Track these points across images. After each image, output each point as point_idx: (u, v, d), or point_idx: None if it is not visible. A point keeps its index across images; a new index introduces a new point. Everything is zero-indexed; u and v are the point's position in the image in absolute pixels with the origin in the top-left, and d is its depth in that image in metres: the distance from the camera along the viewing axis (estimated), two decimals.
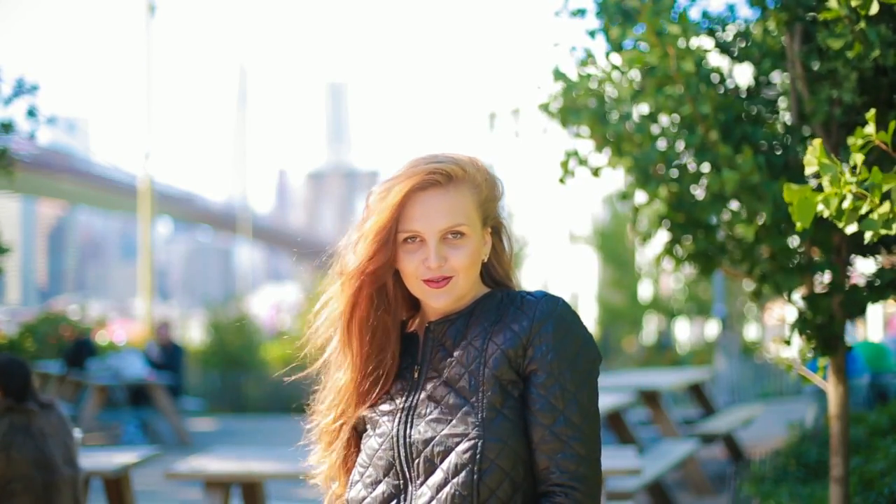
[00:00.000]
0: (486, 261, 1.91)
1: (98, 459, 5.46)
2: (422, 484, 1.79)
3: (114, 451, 6.24)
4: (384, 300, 1.89)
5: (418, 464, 1.80)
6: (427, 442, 1.80)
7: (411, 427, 1.82)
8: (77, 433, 4.32)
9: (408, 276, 1.85)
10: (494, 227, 1.93)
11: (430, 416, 1.81)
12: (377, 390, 1.89)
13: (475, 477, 1.75)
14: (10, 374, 4.08)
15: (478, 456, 1.75)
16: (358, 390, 1.90)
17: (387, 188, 1.84)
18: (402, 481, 1.82)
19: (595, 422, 1.80)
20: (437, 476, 1.78)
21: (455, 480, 1.76)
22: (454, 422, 1.79)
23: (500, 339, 1.82)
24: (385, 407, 1.87)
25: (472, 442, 1.76)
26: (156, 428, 11.71)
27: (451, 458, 1.77)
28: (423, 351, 1.89)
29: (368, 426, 1.89)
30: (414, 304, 1.95)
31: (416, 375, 1.87)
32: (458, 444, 1.77)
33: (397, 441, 1.82)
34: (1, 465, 3.93)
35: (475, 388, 1.80)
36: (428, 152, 1.89)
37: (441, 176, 1.83)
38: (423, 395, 1.84)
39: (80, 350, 11.94)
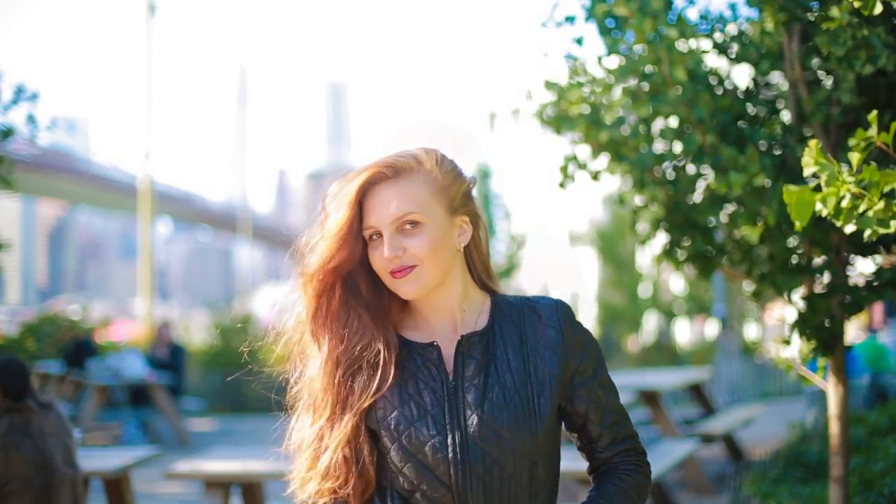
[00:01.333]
0: (461, 249, 1.89)
1: (98, 459, 5.46)
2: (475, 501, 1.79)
3: (114, 451, 6.24)
4: (355, 294, 1.88)
5: (471, 481, 1.79)
6: (484, 460, 1.79)
7: (465, 444, 1.79)
8: (77, 433, 4.32)
9: (379, 272, 1.85)
10: (472, 216, 1.92)
11: (484, 434, 1.80)
12: (379, 378, 1.84)
13: (529, 495, 1.82)
14: (9, 375, 4.08)
15: (535, 476, 1.82)
16: (345, 381, 1.84)
17: (340, 186, 1.86)
18: (453, 498, 1.79)
19: (618, 395, 1.96)
20: (491, 493, 1.79)
21: (511, 498, 1.80)
22: (510, 441, 1.80)
23: (546, 356, 1.86)
24: (421, 420, 1.82)
25: (529, 462, 1.82)
26: (156, 428, 11.71)
27: (508, 476, 1.80)
28: (456, 363, 1.86)
29: (398, 435, 1.82)
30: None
31: (451, 388, 1.84)
32: (516, 464, 1.80)
33: (452, 457, 1.79)
34: (0, 464, 3.93)
35: (530, 409, 1.82)
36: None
37: (388, 169, 1.84)
38: (468, 410, 1.82)
39: (80, 350, 11.94)
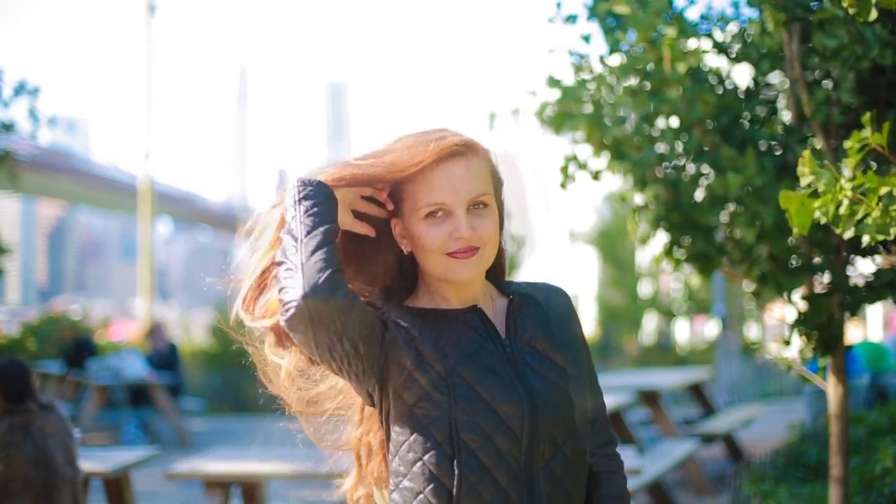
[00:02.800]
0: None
1: (98, 459, 5.46)
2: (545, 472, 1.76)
3: (114, 451, 6.23)
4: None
5: (539, 434, 1.75)
6: (554, 414, 1.77)
7: (533, 399, 1.76)
8: (77, 433, 4.32)
9: (432, 250, 1.75)
10: (503, 211, 1.88)
11: (550, 390, 1.78)
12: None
13: (580, 460, 1.83)
14: (9, 378, 4.08)
15: (580, 447, 1.84)
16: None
17: (415, 139, 1.76)
18: (520, 449, 1.75)
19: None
20: (555, 450, 1.78)
21: (571, 454, 1.80)
22: (568, 415, 1.80)
23: (568, 331, 1.88)
24: (489, 377, 1.75)
25: (580, 426, 1.84)
26: (156, 428, 11.70)
27: (571, 435, 1.79)
28: (508, 323, 1.83)
29: (466, 392, 1.74)
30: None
31: (506, 345, 1.81)
32: (577, 422, 1.82)
33: (525, 412, 1.75)
34: (1, 464, 3.93)
35: (568, 374, 1.83)
36: (426, 128, 1.81)
37: (463, 146, 1.76)
38: (529, 369, 1.79)
39: (80, 350, 11.94)
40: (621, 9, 3.76)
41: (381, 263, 1.86)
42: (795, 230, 2.23)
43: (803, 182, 2.24)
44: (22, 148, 6.12)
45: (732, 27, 4.06)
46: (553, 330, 1.84)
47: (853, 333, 10.66)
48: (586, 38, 4.05)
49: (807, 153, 2.24)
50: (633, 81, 3.90)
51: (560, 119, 4.05)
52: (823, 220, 2.21)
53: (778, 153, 3.86)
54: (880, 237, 2.18)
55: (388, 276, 1.87)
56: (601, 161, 4.12)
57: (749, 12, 4.02)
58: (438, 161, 1.74)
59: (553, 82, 4.05)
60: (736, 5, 4.08)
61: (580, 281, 29.73)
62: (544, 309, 1.86)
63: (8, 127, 5.27)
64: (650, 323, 22.80)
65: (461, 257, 1.75)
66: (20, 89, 5.33)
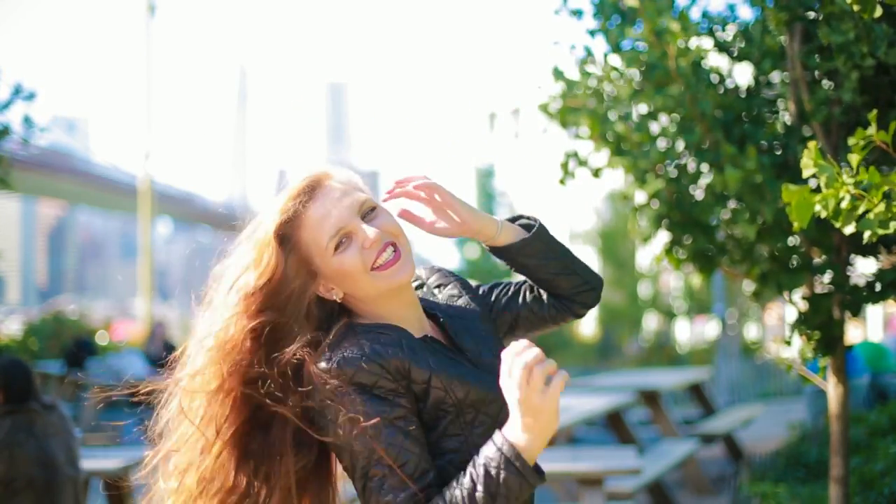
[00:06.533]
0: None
1: (98, 459, 5.45)
2: None
3: (114, 451, 6.22)
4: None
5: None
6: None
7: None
8: (77, 433, 4.31)
9: (359, 272, 1.72)
10: None
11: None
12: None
13: None
14: (12, 378, 4.08)
15: None
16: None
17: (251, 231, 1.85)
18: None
19: None
20: None
21: None
22: None
23: (467, 306, 1.95)
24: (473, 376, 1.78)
25: None
26: None
27: None
28: (459, 340, 1.84)
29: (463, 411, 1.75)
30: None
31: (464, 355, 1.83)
32: None
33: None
34: (4, 463, 3.93)
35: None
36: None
37: (311, 180, 1.77)
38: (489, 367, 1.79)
39: (80, 350, 11.95)
40: (631, 1, 3.77)
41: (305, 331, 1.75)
42: (795, 224, 2.23)
43: (805, 174, 2.24)
44: (21, 147, 6.08)
45: (733, 26, 4.06)
46: (482, 333, 1.88)
47: (853, 333, 10.66)
48: (592, 33, 4.05)
49: (812, 144, 2.24)
50: (636, 75, 3.90)
51: (564, 113, 4.05)
52: (824, 214, 2.21)
53: (778, 153, 3.86)
54: (881, 231, 2.18)
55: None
56: (601, 158, 4.12)
57: (750, 12, 4.02)
58: (310, 201, 1.74)
59: (558, 74, 4.06)
60: (732, 8, 4.08)
61: None
62: (466, 320, 1.88)
63: (2, 132, 5.24)
64: (650, 323, 22.80)
65: (386, 267, 1.73)
66: (16, 94, 5.29)
